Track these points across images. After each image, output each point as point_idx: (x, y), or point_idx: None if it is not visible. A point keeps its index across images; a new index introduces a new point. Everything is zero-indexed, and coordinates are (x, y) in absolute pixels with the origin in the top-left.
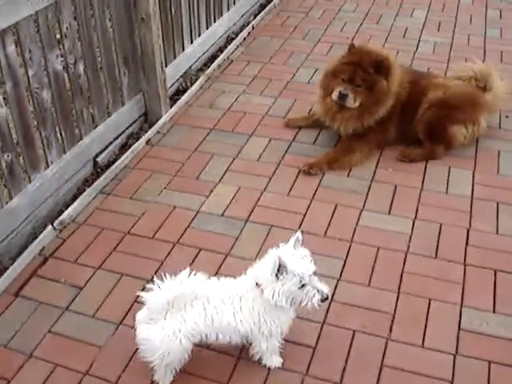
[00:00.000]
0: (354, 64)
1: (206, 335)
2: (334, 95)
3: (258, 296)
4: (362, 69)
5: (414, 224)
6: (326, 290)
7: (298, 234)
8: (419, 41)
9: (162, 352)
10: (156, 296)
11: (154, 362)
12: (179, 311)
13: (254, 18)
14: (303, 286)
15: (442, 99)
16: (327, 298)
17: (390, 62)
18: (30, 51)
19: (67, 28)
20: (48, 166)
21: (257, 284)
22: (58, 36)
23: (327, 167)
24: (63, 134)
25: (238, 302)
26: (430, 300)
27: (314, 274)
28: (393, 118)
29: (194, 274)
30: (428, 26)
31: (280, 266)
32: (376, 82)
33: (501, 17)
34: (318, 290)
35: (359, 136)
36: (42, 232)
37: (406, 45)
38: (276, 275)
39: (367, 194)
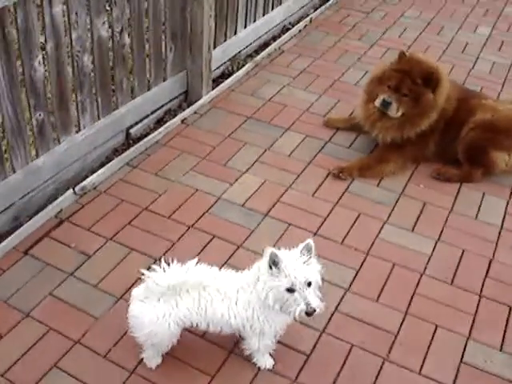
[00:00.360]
0: (403, 72)
1: (197, 324)
2: (377, 102)
3: (255, 291)
4: (411, 78)
5: (435, 245)
6: (316, 304)
7: (310, 240)
8: (477, 58)
9: (149, 332)
10: (158, 278)
11: (140, 339)
12: (174, 296)
13: (314, 11)
14: (292, 290)
15: (489, 122)
16: (313, 313)
17: (440, 74)
18: (76, 14)
19: None
20: (79, 130)
21: (258, 278)
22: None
23: (358, 173)
24: (99, 100)
25: (234, 295)
26: (436, 326)
27: (310, 285)
28: (435, 133)
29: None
30: (490, 45)
31: (274, 260)
32: (423, 94)
33: None
34: (306, 302)
35: (397, 147)
36: (62, 194)
37: (464, 60)
38: (270, 267)
39: (393, 208)
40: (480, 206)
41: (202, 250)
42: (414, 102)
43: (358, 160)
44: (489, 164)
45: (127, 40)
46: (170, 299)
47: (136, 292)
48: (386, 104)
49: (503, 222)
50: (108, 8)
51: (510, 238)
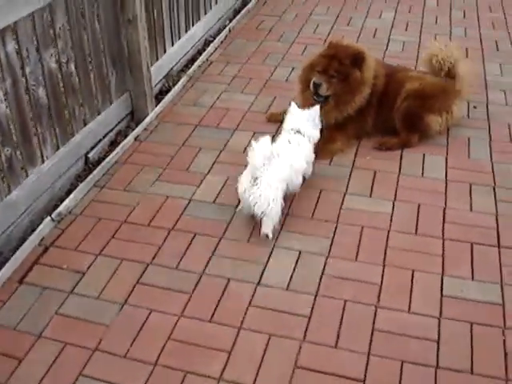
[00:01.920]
0: (330, 57)
1: (292, 179)
2: (310, 86)
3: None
4: (337, 61)
5: (394, 205)
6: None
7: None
8: (389, 40)
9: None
10: (258, 151)
11: (267, 212)
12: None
13: (230, 22)
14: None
15: (418, 90)
16: None
17: (364, 54)
18: (27, 50)
19: (60, 28)
20: (44, 161)
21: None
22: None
23: None
24: (57, 130)
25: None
26: (413, 271)
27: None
28: (370, 108)
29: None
30: (396, 27)
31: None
32: (350, 73)
33: (464, 16)
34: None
35: (339, 126)
36: (40, 224)
37: (377, 44)
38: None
39: (349, 180)
40: (423, 166)
41: (188, 248)
42: (342, 81)
43: None
44: (424, 128)
45: (73, 70)
46: (270, 168)
47: (244, 181)
48: (316, 86)
49: (446, 174)
50: (54, 41)
51: (456, 186)
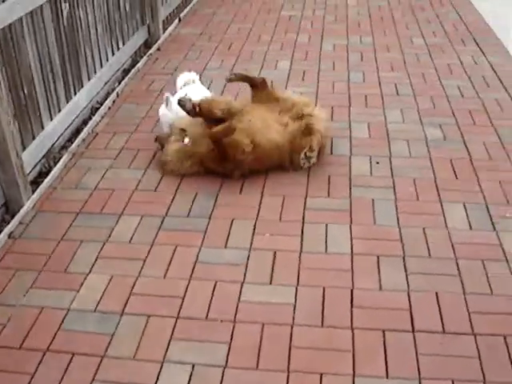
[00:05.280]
0: None
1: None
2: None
3: None
4: None
5: (296, 292)
6: None
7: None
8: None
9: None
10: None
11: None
12: None
13: (119, 84)
14: None
15: None
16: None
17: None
18: None
19: None
20: None
21: None
22: None
23: None
24: None
25: None
26: (321, 375)
27: None
28: None
29: None
30: (293, 77)
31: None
32: None
33: (362, 59)
34: None
35: None
36: None
37: None
38: None
39: (246, 265)
40: (326, 238)
41: (63, 376)
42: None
43: None
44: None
45: None
46: None
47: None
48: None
49: (352, 248)
50: None
51: (362, 261)
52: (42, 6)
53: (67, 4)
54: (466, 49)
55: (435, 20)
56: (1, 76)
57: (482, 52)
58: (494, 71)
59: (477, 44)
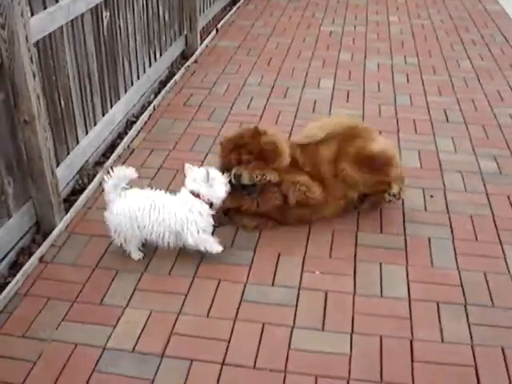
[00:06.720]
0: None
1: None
2: (232, 180)
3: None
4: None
5: (352, 341)
6: None
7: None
8: (330, 114)
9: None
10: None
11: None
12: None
13: (155, 96)
14: None
15: None
16: None
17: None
18: None
19: None
20: None
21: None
22: None
23: None
24: None
25: None
26: None
27: None
28: None
29: None
30: (336, 97)
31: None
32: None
33: (408, 81)
34: None
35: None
36: None
37: (318, 119)
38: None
39: (296, 307)
40: (381, 280)
41: None
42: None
43: None
44: None
45: None
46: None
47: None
48: (238, 177)
49: (409, 292)
50: None
51: (421, 308)
52: (83, 14)
53: (108, 13)
54: None
55: (481, 42)
56: (40, 89)
57: None
58: None
59: None
